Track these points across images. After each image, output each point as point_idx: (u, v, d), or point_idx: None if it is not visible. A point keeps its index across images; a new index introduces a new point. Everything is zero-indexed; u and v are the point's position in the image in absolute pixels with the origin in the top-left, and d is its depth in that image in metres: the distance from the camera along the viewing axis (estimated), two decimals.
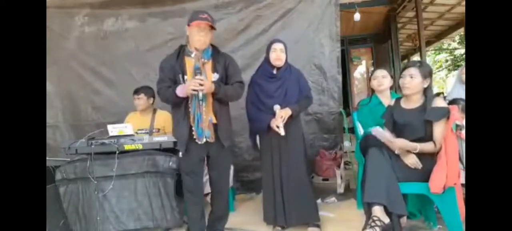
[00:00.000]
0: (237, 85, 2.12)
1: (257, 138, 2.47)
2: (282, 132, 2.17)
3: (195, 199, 2.19)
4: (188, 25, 2.02)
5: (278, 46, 2.34)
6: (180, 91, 1.98)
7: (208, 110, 2.04)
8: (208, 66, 2.08)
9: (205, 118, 2.03)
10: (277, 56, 2.32)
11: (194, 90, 1.91)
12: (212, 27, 2.03)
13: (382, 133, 2.02)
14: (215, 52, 2.12)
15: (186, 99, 2.02)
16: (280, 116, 2.19)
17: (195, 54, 2.03)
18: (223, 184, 2.26)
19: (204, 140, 2.06)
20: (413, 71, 2.00)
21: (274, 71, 2.35)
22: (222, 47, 2.30)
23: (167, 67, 2.08)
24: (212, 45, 2.12)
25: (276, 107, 2.25)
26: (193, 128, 2.04)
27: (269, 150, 2.35)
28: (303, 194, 2.30)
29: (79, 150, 2.41)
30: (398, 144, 1.94)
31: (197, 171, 2.16)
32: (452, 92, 3.47)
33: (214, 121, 2.08)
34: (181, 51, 2.10)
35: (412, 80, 1.99)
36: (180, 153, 2.09)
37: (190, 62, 2.05)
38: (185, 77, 2.04)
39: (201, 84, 1.90)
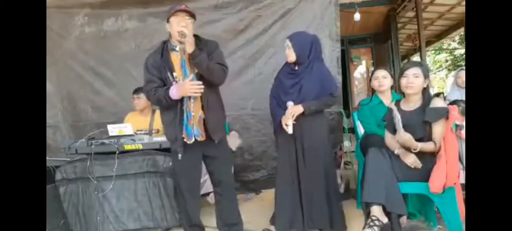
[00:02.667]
0: (219, 66, 1.94)
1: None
2: (289, 130, 2.11)
3: (192, 200, 2.08)
4: (167, 21, 1.96)
5: (286, 44, 2.27)
6: (175, 93, 1.86)
7: (197, 106, 1.92)
8: None
9: (194, 115, 1.91)
10: (287, 53, 2.25)
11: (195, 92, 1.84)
12: (192, 16, 1.94)
13: (397, 115, 1.96)
14: (199, 43, 1.97)
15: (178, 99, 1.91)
16: (289, 113, 2.13)
17: (179, 48, 1.92)
18: (226, 182, 2.13)
19: (193, 139, 1.92)
20: (417, 70, 2.00)
21: (296, 68, 2.27)
22: (222, 47, 2.28)
23: (153, 66, 1.96)
24: (195, 35, 1.97)
25: (289, 104, 2.17)
26: (182, 127, 1.92)
27: (285, 149, 2.26)
28: (322, 198, 2.18)
29: (79, 150, 2.42)
30: (404, 137, 1.91)
31: (193, 174, 2.05)
32: (450, 95, 3.49)
33: (203, 116, 1.94)
34: (165, 48, 1.99)
35: (416, 79, 1.99)
36: (179, 155, 1.93)
37: (176, 58, 1.95)
38: (174, 74, 1.93)
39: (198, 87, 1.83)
